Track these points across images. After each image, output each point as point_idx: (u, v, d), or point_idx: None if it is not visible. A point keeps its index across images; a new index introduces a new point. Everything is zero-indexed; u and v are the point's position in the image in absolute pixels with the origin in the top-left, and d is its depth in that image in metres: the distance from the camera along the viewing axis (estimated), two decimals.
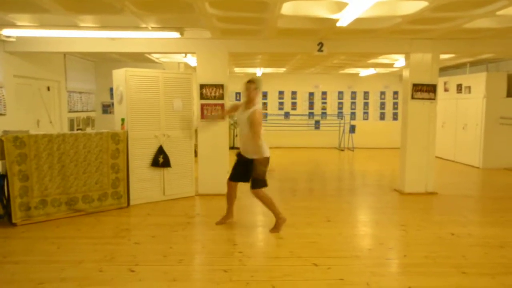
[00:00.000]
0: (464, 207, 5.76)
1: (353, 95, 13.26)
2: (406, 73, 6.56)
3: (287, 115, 13.20)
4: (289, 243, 4.17)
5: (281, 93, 13.20)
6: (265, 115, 13.14)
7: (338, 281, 3.28)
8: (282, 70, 11.68)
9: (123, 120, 5.64)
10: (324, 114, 13.25)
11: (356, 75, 12.72)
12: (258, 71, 11.60)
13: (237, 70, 11.48)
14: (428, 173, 6.50)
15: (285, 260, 3.72)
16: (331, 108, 13.27)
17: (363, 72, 11.82)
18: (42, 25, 5.31)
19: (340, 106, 13.27)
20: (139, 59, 8.85)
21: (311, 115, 13.25)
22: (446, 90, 10.45)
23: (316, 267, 3.55)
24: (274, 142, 12.80)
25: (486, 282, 3.27)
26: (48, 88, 7.53)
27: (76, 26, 5.36)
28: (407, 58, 6.52)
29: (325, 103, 13.25)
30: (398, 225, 4.85)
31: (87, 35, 5.76)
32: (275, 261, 3.71)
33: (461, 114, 9.84)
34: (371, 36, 6.00)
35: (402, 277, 3.40)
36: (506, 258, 3.79)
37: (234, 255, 3.82)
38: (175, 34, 5.51)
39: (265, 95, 13.18)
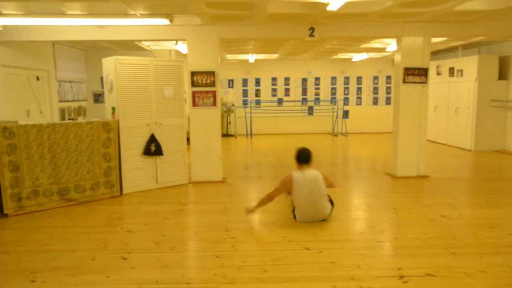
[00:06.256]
0: (455, 189, 5.82)
1: (346, 80, 13.23)
2: (397, 57, 6.54)
3: (280, 101, 13.17)
4: (281, 228, 4.20)
5: (274, 79, 13.14)
6: (258, 102, 13.11)
7: (329, 264, 3.32)
8: (274, 56, 11.61)
9: (113, 109, 5.60)
10: (317, 100, 13.23)
11: (349, 60, 12.68)
12: (251, 58, 11.52)
13: (229, 56, 11.40)
14: (419, 156, 6.54)
15: (277, 245, 3.75)
16: (324, 94, 13.25)
17: (356, 57, 11.78)
18: (29, 13, 5.23)
19: (333, 91, 13.25)
20: (130, 47, 8.75)
21: (304, 101, 13.22)
22: (438, 73, 10.46)
23: (308, 251, 3.58)
24: (268, 129, 12.82)
25: (475, 261, 3.33)
26: (38, 78, 7.45)
27: (63, 14, 5.28)
28: (398, 42, 6.49)
29: (318, 88, 13.22)
30: (389, 208, 4.89)
31: (75, 23, 5.69)
32: (267, 246, 3.74)
33: (454, 98, 9.87)
34: (362, 20, 5.96)
35: (392, 259, 3.45)
36: (494, 238, 3.85)
37: (226, 241, 3.84)
38: (164, 21, 5.44)
39: (258, 82, 13.12)
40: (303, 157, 4.43)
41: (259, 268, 3.24)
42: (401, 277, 3.07)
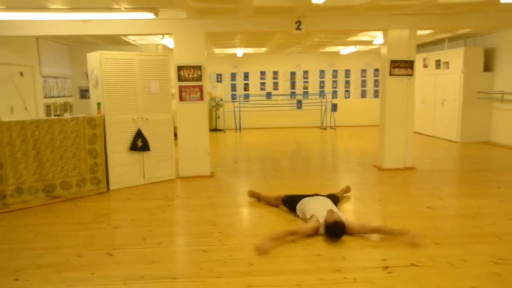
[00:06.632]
0: (441, 180, 5.88)
1: (335, 73, 13.26)
2: (384, 50, 6.57)
3: (269, 95, 13.16)
4: (268, 221, 4.22)
5: (262, 73, 13.11)
6: (247, 96, 13.08)
7: (315, 256, 3.34)
8: (263, 50, 11.58)
9: (99, 104, 5.54)
10: (306, 94, 13.25)
11: (337, 53, 12.70)
12: (239, 51, 11.47)
13: (217, 50, 11.34)
14: (406, 148, 6.60)
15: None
16: (313, 87, 13.27)
17: (344, 50, 11.80)
18: (10, 7, 5.13)
19: (322, 85, 13.27)
20: (115, 41, 8.65)
21: (293, 94, 13.23)
22: (425, 66, 10.53)
23: (294, 244, 3.60)
24: (257, 123, 12.81)
25: (458, 250, 3.38)
26: (21, 74, 7.33)
27: (45, 8, 5.19)
28: (385, 35, 6.51)
29: (306, 82, 13.23)
30: (376, 200, 4.94)
31: (58, 18, 5.59)
32: (254, 240, 3.73)
33: (440, 90, 9.96)
34: (348, 13, 5.97)
35: (376, 250, 3.48)
36: (477, 228, 3.91)
37: (213, 236, 3.84)
38: (149, 15, 5.39)
39: (246, 76, 13.08)
40: (333, 236, 3.71)
41: (246, 262, 3.25)
42: (386, 267, 3.10)
